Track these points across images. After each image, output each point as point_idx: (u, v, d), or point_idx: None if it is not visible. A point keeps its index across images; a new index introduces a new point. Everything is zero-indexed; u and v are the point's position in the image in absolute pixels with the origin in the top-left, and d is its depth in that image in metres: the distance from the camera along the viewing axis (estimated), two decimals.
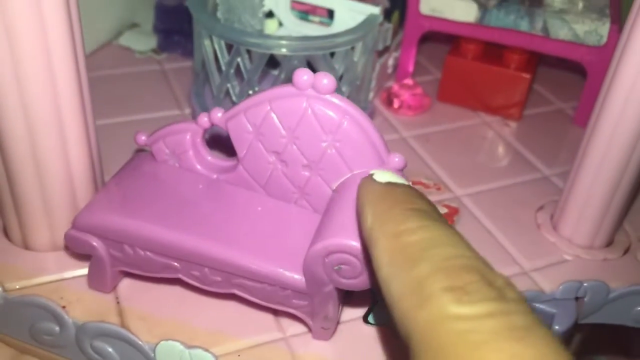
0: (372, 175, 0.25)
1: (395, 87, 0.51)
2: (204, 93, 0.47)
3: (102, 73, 0.51)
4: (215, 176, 0.32)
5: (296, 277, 0.27)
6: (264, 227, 0.29)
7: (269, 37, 0.40)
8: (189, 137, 0.32)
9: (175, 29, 0.53)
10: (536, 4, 0.47)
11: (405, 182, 0.24)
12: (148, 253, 0.29)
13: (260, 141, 0.30)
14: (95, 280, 0.31)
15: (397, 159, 0.29)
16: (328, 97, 0.28)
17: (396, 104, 0.50)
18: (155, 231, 0.28)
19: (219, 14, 0.44)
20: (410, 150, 0.46)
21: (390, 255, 0.20)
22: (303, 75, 0.28)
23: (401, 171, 0.29)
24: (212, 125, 0.31)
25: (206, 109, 0.46)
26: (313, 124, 0.28)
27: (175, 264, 0.29)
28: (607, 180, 0.36)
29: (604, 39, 0.46)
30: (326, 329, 0.29)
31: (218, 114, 0.31)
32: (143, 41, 0.55)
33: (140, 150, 0.34)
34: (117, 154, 0.38)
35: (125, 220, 0.29)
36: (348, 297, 0.32)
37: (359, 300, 0.33)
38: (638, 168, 0.36)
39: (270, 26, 0.49)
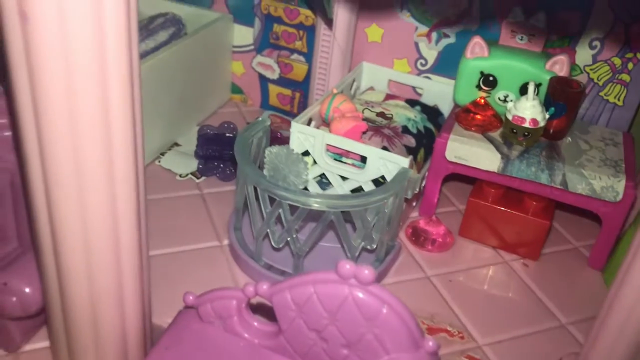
0: None
1: (422, 224, 0.53)
2: (242, 227, 0.50)
3: (148, 197, 0.54)
4: (257, 341, 0.35)
5: None
6: None
7: (309, 195, 0.43)
8: (234, 303, 0.34)
9: (215, 155, 0.57)
10: (555, 157, 0.50)
11: None
12: None
13: (302, 319, 0.32)
14: None
15: (430, 343, 0.31)
16: (370, 287, 0.31)
17: (423, 242, 0.53)
18: None
19: (265, 171, 0.47)
20: (434, 291, 0.49)
21: None
22: (346, 265, 0.31)
23: (436, 355, 0.32)
24: (258, 295, 0.34)
25: (244, 246, 0.48)
26: (353, 310, 0.31)
27: None
28: (627, 343, 0.38)
29: (620, 196, 0.48)
30: None
31: (264, 287, 0.33)
32: (183, 164, 0.59)
33: (187, 307, 0.37)
34: (160, 287, 0.40)
35: None
36: None
37: None
38: None
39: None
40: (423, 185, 0.56)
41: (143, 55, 0.54)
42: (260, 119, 0.50)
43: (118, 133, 0.29)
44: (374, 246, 0.47)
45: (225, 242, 0.51)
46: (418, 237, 0.53)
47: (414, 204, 0.57)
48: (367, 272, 0.31)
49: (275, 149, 0.45)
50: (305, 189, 0.50)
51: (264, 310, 0.41)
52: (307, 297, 0.32)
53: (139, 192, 0.32)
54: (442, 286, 0.49)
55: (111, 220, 0.31)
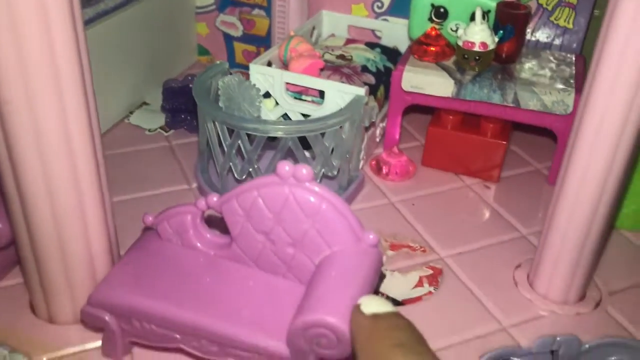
0: (359, 305, 0.28)
1: (384, 156, 0.55)
2: (208, 169, 0.52)
3: (117, 151, 0.56)
4: (213, 253, 0.36)
5: (282, 348, 0.31)
6: (254, 301, 0.33)
7: (266, 122, 0.45)
8: (189, 218, 0.36)
9: (181, 108, 0.59)
10: (507, 78, 0.52)
11: (390, 310, 0.27)
12: (153, 326, 0.33)
13: (250, 223, 0.34)
14: (108, 350, 0.35)
15: (371, 237, 0.33)
16: (307, 185, 0.32)
17: (384, 170, 0.54)
18: (159, 307, 0.32)
19: (221, 103, 0.49)
20: (397, 215, 0.50)
21: None
22: (285, 166, 0.32)
23: (376, 246, 0.33)
24: (209, 208, 0.35)
25: (211, 184, 0.50)
26: (294, 208, 0.33)
27: (177, 335, 0.33)
28: (575, 237, 0.40)
29: (570, 108, 0.50)
30: None
31: (214, 199, 0.35)
32: (152, 119, 0.60)
33: (147, 228, 0.39)
34: (132, 229, 0.42)
35: (132, 298, 0.33)
36: None
37: None
38: (603, 225, 0.39)
39: (268, 105, 0.54)
40: (384, 114, 0.57)
41: (101, 14, 0.55)
42: (218, 62, 0.51)
43: None
44: (335, 173, 0.48)
45: (194, 185, 0.52)
46: (381, 168, 0.55)
47: (378, 139, 0.59)
48: (304, 171, 0.32)
49: (226, 78, 0.47)
50: None
51: (220, 230, 0.42)
52: (252, 201, 0.34)
53: (88, 103, 0.33)
54: (406, 210, 0.51)
55: (64, 140, 0.32)
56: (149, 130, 0.59)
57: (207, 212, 0.36)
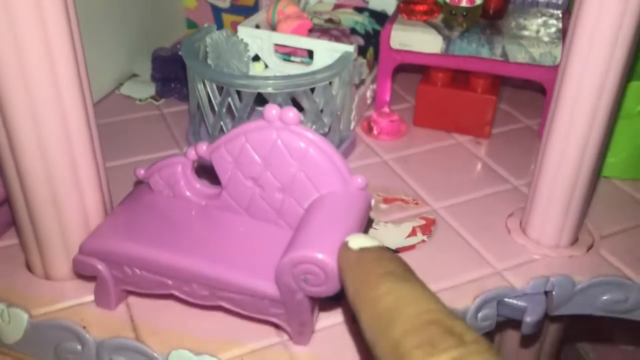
0: (347, 242, 0.28)
1: (374, 116, 0.55)
2: (200, 132, 0.52)
3: (108, 120, 0.56)
4: (204, 203, 0.36)
5: (272, 289, 0.31)
6: (245, 246, 0.33)
7: (254, 77, 0.45)
8: (180, 169, 0.36)
9: (171, 76, 0.59)
10: (495, 33, 0.52)
11: (377, 244, 0.28)
12: (144, 272, 0.33)
13: (239, 169, 0.34)
14: (101, 299, 0.35)
15: (359, 180, 0.33)
16: (294, 127, 0.33)
17: (375, 130, 0.54)
18: (149, 253, 0.33)
19: (209, 60, 0.49)
20: (390, 171, 0.51)
21: (369, 322, 0.24)
22: (272, 110, 0.33)
23: (364, 189, 0.33)
24: (199, 157, 0.36)
25: None
26: (282, 152, 0.33)
27: (168, 281, 0.33)
28: (565, 183, 0.40)
29: (558, 59, 0.50)
30: (303, 334, 0.33)
31: (203, 147, 0.35)
32: (142, 90, 0.60)
33: (139, 183, 0.39)
34: (125, 193, 0.42)
35: (123, 245, 0.33)
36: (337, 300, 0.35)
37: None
38: (590, 170, 0.39)
39: (257, 68, 0.54)
40: (374, 76, 0.58)
41: None
42: (207, 25, 0.51)
43: None
44: (326, 130, 0.49)
45: (186, 148, 0.52)
46: (372, 128, 0.55)
47: (369, 101, 0.59)
48: (291, 114, 0.33)
49: (214, 35, 0.47)
50: None
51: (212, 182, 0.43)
52: (240, 147, 0.34)
53: (78, 64, 0.33)
54: (398, 167, 0.51)
55: (56, 101, 0.32)
56: (140, 100, 0.59)
57: (198, 162, 0.37)
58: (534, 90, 0.62)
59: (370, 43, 0.58)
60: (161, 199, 0.37)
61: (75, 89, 0.33)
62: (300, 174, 0.33)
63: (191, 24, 0.73)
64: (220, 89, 0.45)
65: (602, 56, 0.35)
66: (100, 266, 0.34)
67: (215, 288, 0.32)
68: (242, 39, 0.46)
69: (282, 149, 0.33)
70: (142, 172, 0.37)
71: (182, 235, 0.34)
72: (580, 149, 0.39)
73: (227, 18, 0.71)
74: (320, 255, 0.29)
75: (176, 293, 0.33)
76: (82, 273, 0.35)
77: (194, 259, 0.32)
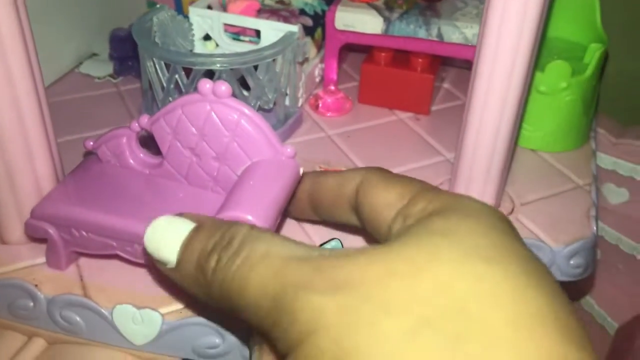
0: None
1: (320, 93, 0.58)
2: (152, 107, 0.54)
3: (67, 97, 0.59)
4: (147, 171, 0.40)
5: None
6: (182, 209, 0.36)
7: (199, 55, 0.48)
8: (125, 140, 0.39)
9: (128, 55, 0.61)
10: (433, 14, 0.55)
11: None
12: (90, 234, 0.36)
13: (177, 140, 0.37)
14: (52, 260, 0.38)
15: (288, 150, 0.36)
16: (226, 100, 0.36)
17: (321, 107, 0.58)
18: (95, 216, 0.36)
19: (157, 39, 0.52)
20: (333, 146, 0.54)
21: None
22: (205, 84, 0.36)
23: (293, 158, 0.37)
24: (141, 128, 0.39)
25: None
26: (216, 123, 0.36)
27: (113, 242, 0.36)
28: (484, 150, 0.44)
29: None
30: None
31: (145, 120, 0.38)
32: (101, 68, 0.63)
33: (89, 154, 0.42)
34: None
35: (70, 209, 0.36)
36: None
37: None
38: (507, 139, 0.43)
39: (209, 47, 0.57)
40: (322, 55, 0.61)
41: None
42: (159, 5, 0.54)
43: None
44: (271, 106, 0.52)
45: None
46: (318, 105, 0.58)
47: (317, 80, 0.62)
48: (223, 87, 0.36)
49: (160, 15, 0.50)
50: None
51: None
52: (177, 119, 0.37)
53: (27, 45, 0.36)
54: (341, 141, 0.55)
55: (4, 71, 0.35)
56: (98, 78, 0.62)
57: (144, 134, 0.40)
58: None
59: (319, 24, 0.60)
60: (108, 168, 0.40)
61: (24, 64, 0.36)
62: (233, 143, 0.36)
63: (151, 4, 0.75)
64: (168, 67, 0.48)
65: (513, 33, 0.38)
66: (50, 229, 0.37)
67: None
68: (187, 18, 0.49)
69: (216, 120, 0.36)
70: (91, 143, 0.40)
71: (125, 200, 0.37)
72: (495, 121, 0.42)
73: None
74: (249, 217, 0.32)
75: (121, 253, 0.37)
76: (34, 236, 0.38)
77: (135, 221, 0.35)
